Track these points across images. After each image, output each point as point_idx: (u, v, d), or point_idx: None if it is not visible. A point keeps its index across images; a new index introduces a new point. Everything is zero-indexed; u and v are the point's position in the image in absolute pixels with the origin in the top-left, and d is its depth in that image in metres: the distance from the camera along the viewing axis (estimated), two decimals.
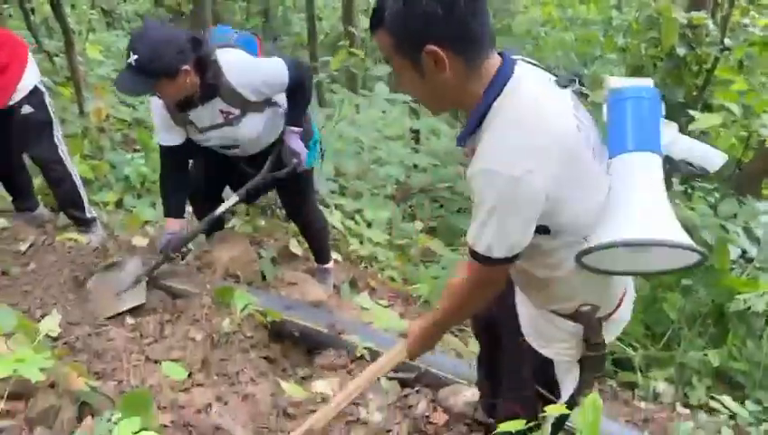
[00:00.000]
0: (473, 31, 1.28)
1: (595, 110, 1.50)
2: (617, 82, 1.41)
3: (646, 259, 1.36)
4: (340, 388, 2.31)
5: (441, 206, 5.59)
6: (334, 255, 3.66)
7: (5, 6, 6.13)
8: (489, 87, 1.32)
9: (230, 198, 2.84)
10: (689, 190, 4.59)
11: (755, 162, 5.02)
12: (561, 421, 1.69)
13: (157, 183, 3.47)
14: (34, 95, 2.97)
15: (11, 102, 2.91)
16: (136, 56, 2.26)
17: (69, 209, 3.17)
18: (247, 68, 2.53)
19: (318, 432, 1.88)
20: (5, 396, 1.69)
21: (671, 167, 1.41)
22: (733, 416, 2.84)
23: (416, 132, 6.97)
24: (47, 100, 3.04)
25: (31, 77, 2.98)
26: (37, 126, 2.98)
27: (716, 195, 4.52)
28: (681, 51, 4.64)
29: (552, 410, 1.45)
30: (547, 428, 1.56)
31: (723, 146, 3.87)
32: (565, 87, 1.40)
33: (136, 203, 3.92)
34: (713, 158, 1.42)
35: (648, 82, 1.41)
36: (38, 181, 3.41)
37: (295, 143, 2.70)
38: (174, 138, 2.67)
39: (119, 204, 3.96)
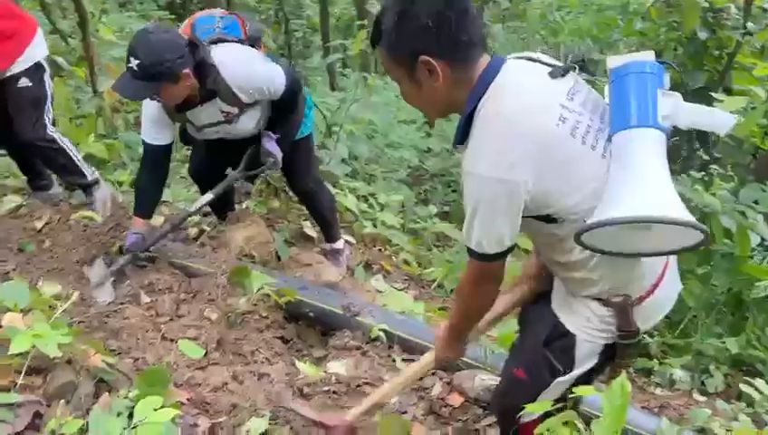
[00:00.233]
0: (463, 42, 1.36)
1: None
2: (617, 59, 1.43)
3: (648, 238, 1.35)
4: (355, 369, 2.30)
5: (454, 190, 5.56)
6: (347, 237, 3.65)
7: None
8: (471, 93, 1.39)
9: (203, 196, 2.85)
10: (706, 178, 4.52)
11: None
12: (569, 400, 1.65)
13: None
14: (36, 71, 2.95)
15: (10, 72, 2.88)
16: (137, 61, 2.25)
17: (68, 179, 3.18)
18: (245, 73, 2.55)
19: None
20: (24, 371, 1.69)
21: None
22: (750, 404, 2.80)
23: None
24: (47, 78, 3.02)
25: (36, 51, 2.96)
26: (31, 100, 2.95)
27: (733, 182, 4.45)
28: (703, 35, 4.54)
29: (583, 392, 1.42)
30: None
31: (743, 133, 3.79)
32: (563, 76, 1.42)
33: None
34: (721, 120, 1.39)
35: (648, 56, 1.41)
36: None
37: (271, 146, 2.76)
38: (161, 138, 2.65)
39: (133, 184, 3.95)
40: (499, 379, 2.23)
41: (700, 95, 4.07)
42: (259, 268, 2.69)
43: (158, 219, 3.05)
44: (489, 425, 2.18)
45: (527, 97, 1.38)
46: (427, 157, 6.21)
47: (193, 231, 3.12)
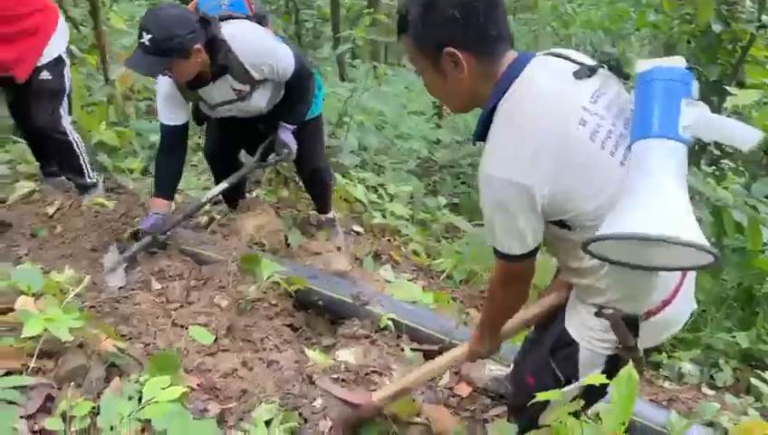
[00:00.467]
0: (490, 35, 1.35)
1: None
2: (646, 63, 1.35)
3: (658, 253, 1.30)
4: (364, 357, 2.31)
5: (464, 182, 5.55)
6: (357, 227, 3.66)
7: None
8: (495, 88, 1.37)
9: (218, 186, 2.88)
10: (717, 173, 4.49)
11: None
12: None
13: None
14: (57, 64, 2.98)
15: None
16: (149, 36, 2.26)
17: (68, 174, 3.21)
18: (256, 48, 2.56)
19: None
20: (36, 354, 1.70)
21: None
22: (759, 398, 2.79)
23: (438, 108, 6.91)
24: (66, 71, 3.04)
25: (58, 45, 2.99)
26: (50, 93, 2.98)
27: (744, 178, 4.42)
28: (717, 27, 4.49)
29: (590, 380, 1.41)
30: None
31: (757, 126, 3.76)
32: (589, 77, 1.37)
33: None
34: (746, 135, 1.30)
35: (678, 62, 1.33)
36: None
37: (287, 137, 2.81)
38: (177, 117, 2.67)
39: (144, 171, 3.97)
40: (507, 369, 2.24)
41: (713, 88, 4.03)
42: (269, 256, 2.69)
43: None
44: (497, 415, 2.19)
45: (547, 97, 1.34)
46: (437, 148, 6.20)
47: (203, 219, 3.14)
